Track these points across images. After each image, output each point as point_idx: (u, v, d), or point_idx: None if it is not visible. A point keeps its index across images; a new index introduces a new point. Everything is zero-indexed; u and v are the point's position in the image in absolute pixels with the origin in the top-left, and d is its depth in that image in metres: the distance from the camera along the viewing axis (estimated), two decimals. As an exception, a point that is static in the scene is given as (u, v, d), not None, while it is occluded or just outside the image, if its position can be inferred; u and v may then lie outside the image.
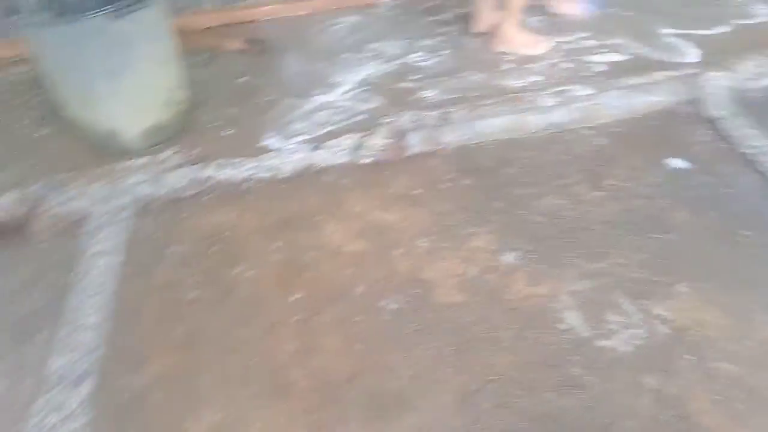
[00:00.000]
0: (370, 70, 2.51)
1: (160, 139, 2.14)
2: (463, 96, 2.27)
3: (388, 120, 2.19)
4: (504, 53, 2.52)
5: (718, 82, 2.21)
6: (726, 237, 1.70)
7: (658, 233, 1.75)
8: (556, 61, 2.41)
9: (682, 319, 1.52)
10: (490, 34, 2.59)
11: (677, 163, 1.98)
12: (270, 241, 1.86)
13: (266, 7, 3.03)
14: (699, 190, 1.87)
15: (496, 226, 1.84)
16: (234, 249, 1.84)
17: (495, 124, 2.17)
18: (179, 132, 2.20)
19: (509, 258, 1.73)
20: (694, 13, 2.65)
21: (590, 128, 2.19)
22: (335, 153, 2.13)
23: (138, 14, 1.90)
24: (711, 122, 2.12)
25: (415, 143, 2.15)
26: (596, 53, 2.45)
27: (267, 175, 2.10)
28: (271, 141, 2.16)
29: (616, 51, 2.46)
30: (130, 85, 2.00)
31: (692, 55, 2.37)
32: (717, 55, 2.30)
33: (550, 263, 1.69)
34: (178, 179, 2.04)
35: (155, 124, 2.12)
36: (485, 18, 2.66)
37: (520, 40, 2.54)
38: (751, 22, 2.53)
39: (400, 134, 2.16)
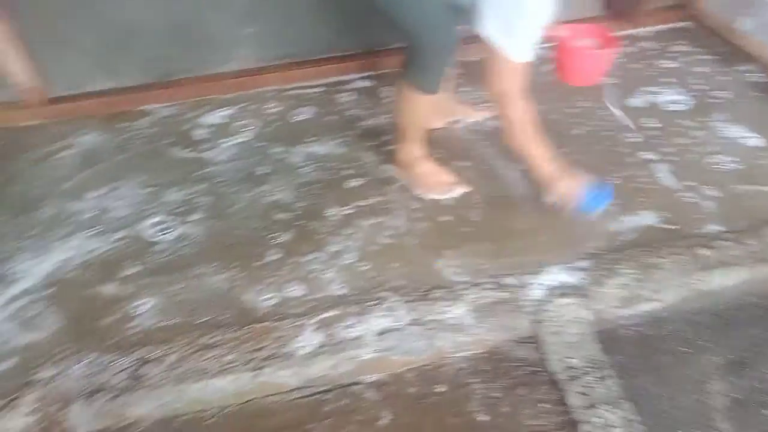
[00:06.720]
0: (71, 250, 1.65)
1: None
2: (187, 321, 1.45)
3: (48, 374, 1.35)
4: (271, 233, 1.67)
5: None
6: None
7: None
8: (319, 267, 1.58)
9: None
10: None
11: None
12: None
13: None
14: None
15: None
16: None
17: (219, 386, 1.35)
18: None
19: None
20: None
21: (370, 386, 1.40)
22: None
23: None
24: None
25: (85, 420, 1.32)
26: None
27: None
28: None
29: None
30: None
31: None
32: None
33: None
34: None
35: None
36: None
37: (433, 179, 1.76)
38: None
39: (63, 402, 1.33)
